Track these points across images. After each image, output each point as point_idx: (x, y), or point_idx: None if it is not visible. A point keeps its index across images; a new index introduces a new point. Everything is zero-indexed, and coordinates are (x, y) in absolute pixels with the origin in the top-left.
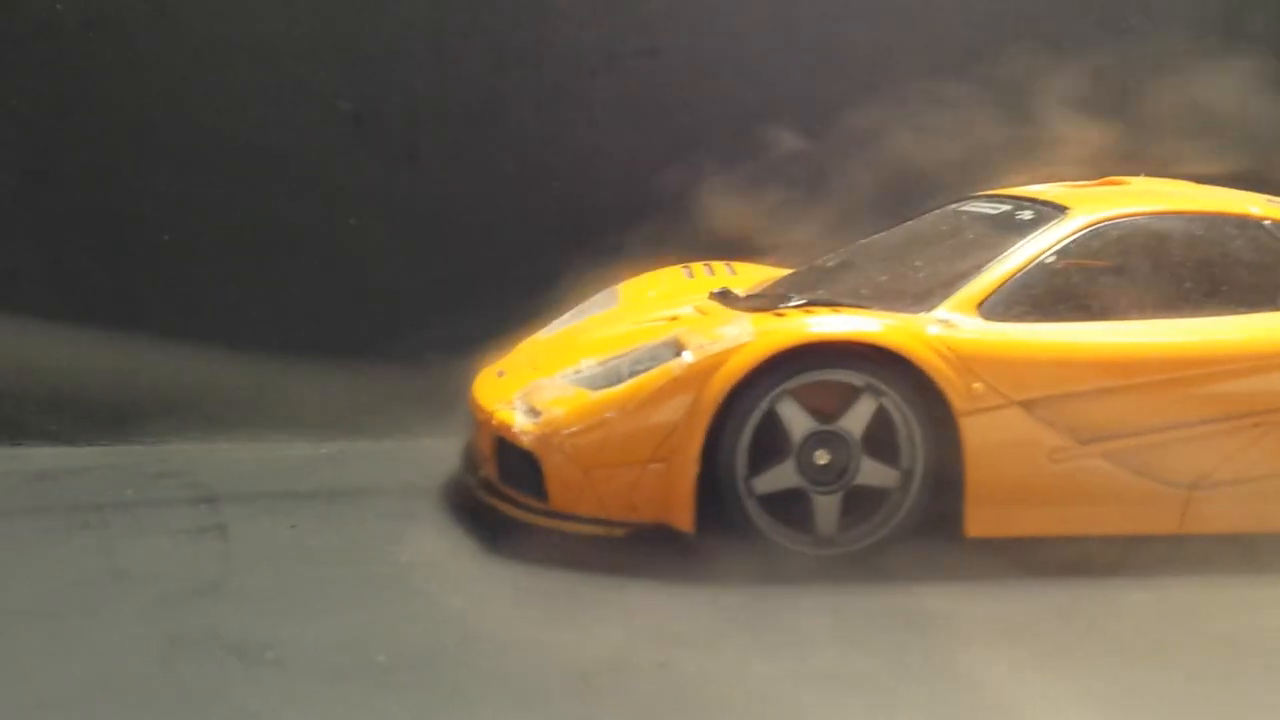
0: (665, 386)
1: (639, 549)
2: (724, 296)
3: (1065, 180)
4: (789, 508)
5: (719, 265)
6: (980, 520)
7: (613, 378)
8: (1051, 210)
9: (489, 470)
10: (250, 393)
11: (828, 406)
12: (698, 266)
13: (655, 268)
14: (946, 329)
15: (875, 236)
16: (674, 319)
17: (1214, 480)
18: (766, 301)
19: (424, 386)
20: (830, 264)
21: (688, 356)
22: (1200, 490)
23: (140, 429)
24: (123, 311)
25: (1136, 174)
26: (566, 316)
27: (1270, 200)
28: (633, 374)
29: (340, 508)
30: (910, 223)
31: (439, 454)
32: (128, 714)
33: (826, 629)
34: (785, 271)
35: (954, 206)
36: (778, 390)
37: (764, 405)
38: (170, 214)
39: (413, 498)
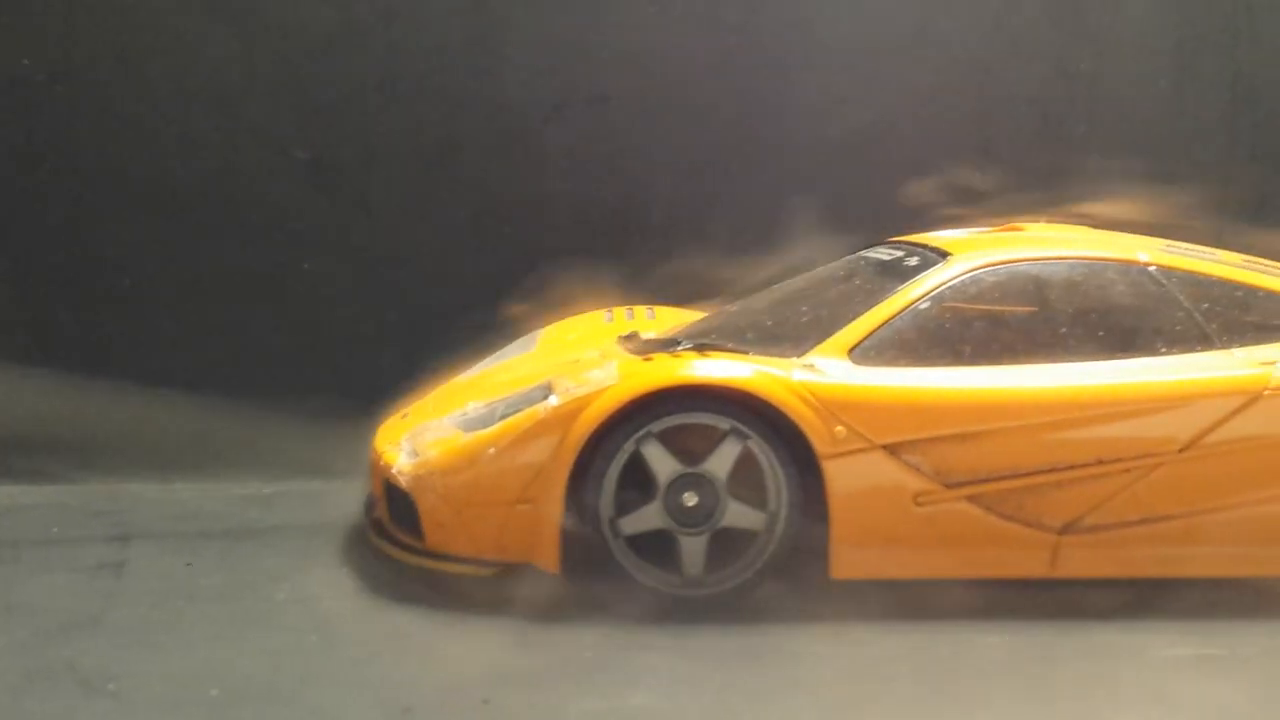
0: (531, 428)
1: (508, 589)
2: (628, 340)
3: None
4: (657, 548)
5: (640, 309)
6: (846, 562)
7: (489, 420)
8: (935, 256)
9: (380, 510)
10: (207, 433)
11: (698, 449)
12: (619, 310)
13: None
14: (811, 374)
15: (782, 283)
16: (575, 363)
17: (1085, 525)
18: (658, 346)
19: (375, 428)
20: (733, 308)
21: (553, 400)
22: (1070, 534)
23: (100, 469)
24: (86, 353)
25: (1038, 220)
26: (488, 360)
27: (1168, 246)
28: (504, 417)
29: (244, 546)
30: (818, 269)
31: None
32: None
33: (665, 668)
34: (702, 315)
35: (861, 252)
36: (641, 433)
37: (628, 447)
38: (133, 259)
39: (319, 537)
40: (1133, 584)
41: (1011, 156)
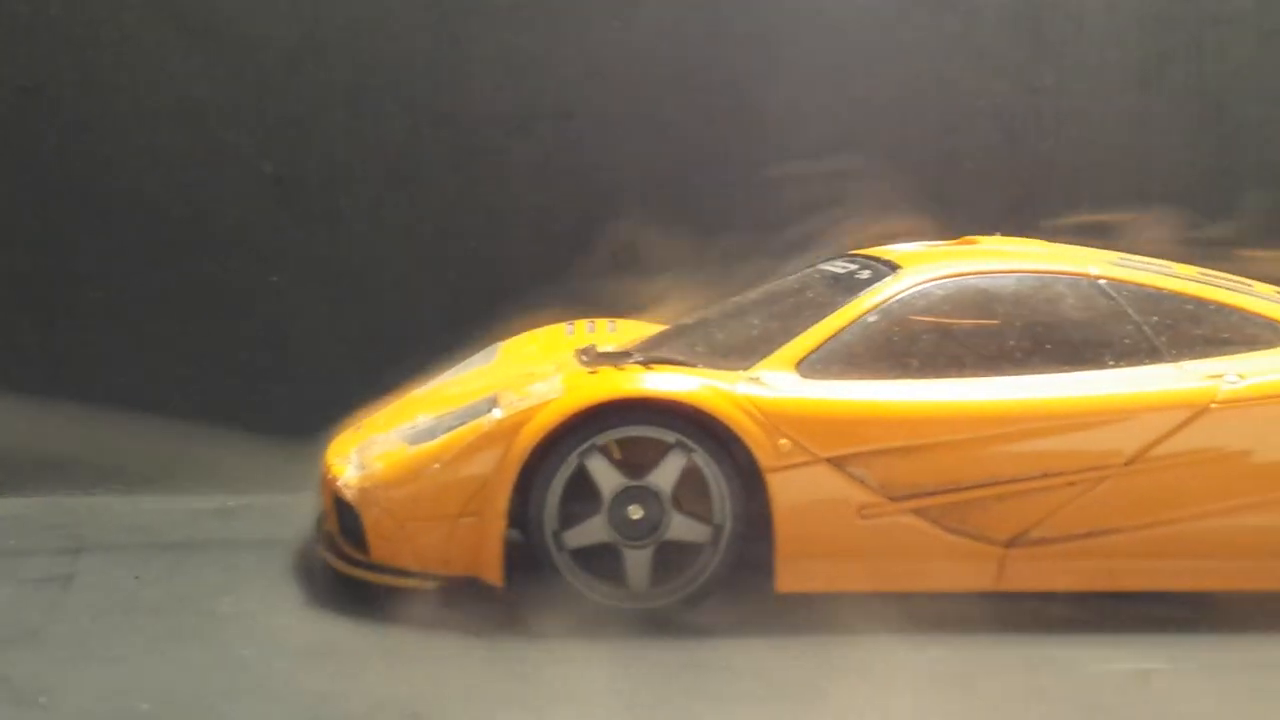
0: (475, 441)
1: (452, 602)
2: (585, 354)
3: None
4: (602, 562)
5: (601, 322)
6: (791, 576)
7: (435, 433)
8: (886, 269)
9: (330, 523)
10: (173, 447)
11: (643, 462)
12: (580, 323)
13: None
14: (756, 387)
15: (737, 296)
16: (526, 375)
17: (1031, 538)
18: (607, 359)
19: None
20: (689, 321)
21: (497, 413)
22: (1017, 548)
23: (63, 482)
24: (51, 367)
25: (991, 234)
26: (447, 372)
27: (1121, 260)
28: (449, 430)
29: (195, 560)
30: (773, 282)
31: None
32: None
33: (602, 682)
34: (662, 328)
35: (818, 265)
36: (585, 446)
37: (573, 461)
38: (99, 273)
39: (272, 551)
40: (1078, 597)
41: (975, 170)
